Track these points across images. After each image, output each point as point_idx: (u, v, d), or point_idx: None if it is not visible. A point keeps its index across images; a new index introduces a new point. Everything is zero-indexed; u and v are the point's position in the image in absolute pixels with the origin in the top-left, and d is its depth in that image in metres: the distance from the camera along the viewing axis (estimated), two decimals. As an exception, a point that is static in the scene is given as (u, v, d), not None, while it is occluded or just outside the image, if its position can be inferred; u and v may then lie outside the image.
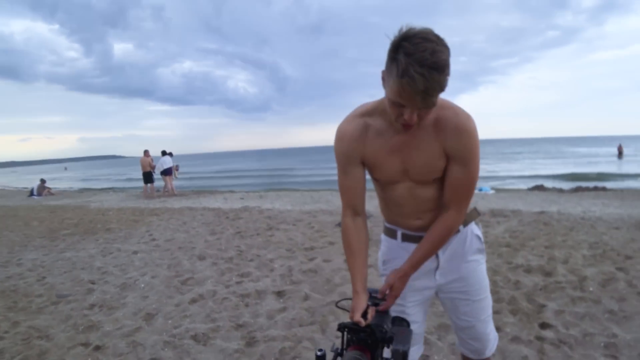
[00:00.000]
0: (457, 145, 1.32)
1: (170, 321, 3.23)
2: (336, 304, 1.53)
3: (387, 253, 1.63)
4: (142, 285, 4.17)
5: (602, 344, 2.61)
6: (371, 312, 1.34)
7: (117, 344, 2.87)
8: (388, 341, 1.24)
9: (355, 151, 1.42)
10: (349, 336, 1.29)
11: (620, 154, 35.28)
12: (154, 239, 6.44)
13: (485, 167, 27.51)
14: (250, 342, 2.82)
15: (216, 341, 2.85)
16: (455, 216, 1.42)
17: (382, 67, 1.20)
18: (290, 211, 8.83)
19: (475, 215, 1.59)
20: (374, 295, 1.41)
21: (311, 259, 4.89)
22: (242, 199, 12.28)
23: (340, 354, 1.27)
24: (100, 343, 2.89)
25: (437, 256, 1.53)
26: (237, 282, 4.12)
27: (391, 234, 1.61)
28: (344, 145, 1.43)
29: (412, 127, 1.25)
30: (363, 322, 1.26)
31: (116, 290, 4.04)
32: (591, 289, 3.50)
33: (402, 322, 1.37)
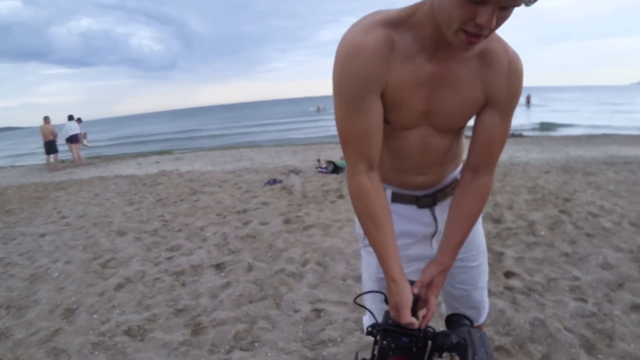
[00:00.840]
0: (505, 88, 1.04)
1: (95, 316, 2.80)
2: (354, 299, 1.20)
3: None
4: (56, 274, 3.60)
5: (567, 288, 2.66)
6: (423, 311, 1.05)
7: (33, 354, 2.40)
8: (456, 349, 0.94)
9: (379, 75, 0.97)
10: (385, 342, 0.98)
11: (528, 103, 38.02)
12: (63, 217, 5.69)
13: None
14: (197, 330, 2.51)
15: (155, 334, 2.49)
16: (489, 182, 1.14)
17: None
18: (213, 172, 8.34)
19: None
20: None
21: (246, 223, 4.59)
22: (157, 162, 11.44)
23: None
24: (11, 357, 2.41)
25: (434, 219, 1.28)
26: (168, 258, 3.71)
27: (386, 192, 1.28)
28: (362, 66, 0.95)
29: (481, 39, 0.88)
30: (416, 324, 0.98)
31: (24, 285, 3.45)
32: (542, 233, 3.61)
33: (458, 319, 1.08)
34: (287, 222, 4.55)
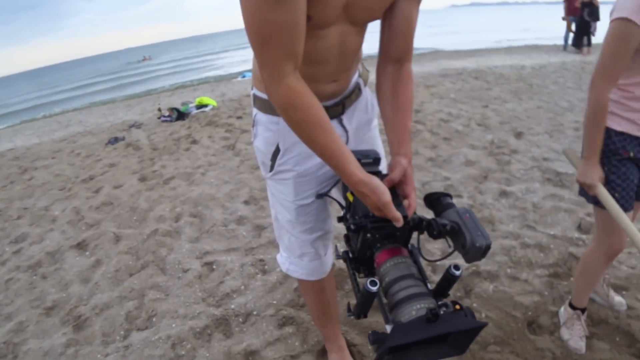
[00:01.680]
0: None
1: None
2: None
3: (282, 138, 1.18)
4: None
5: (442, 188, 2.92)
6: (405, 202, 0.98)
7: None
8: (450, 234, 0.92)
9: None
10: (368, 235, 0.95)
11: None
12: None
13: (238, 58, 26.78)
14: (79, 325, 2.23)
15: (29, 344, 2.14)
16: (411, 69, 1.11)
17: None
18: (41, 144, 7.11)
19: (366, 72, 1.32)
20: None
21: (97, 191, 4.10)
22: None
23: (369, 260, 0.97)
24: None
25: (344, 129, 1.23)
26: (15, 252, 3.15)
27: None
28: None
29: None
30: (401, 221, 0.91)
31: None
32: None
33: (439, 197, 1.01)
34: (143, 179, 4.18)
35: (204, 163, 4.47)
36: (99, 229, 3.25)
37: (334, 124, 1.20)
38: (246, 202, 3.46)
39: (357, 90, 1.25)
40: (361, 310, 0.94)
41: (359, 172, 0.94)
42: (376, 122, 1.37)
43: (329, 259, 1.49)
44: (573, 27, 11.12)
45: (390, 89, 1.10)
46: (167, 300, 2.30)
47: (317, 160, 1.20)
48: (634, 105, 1.44)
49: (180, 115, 6.64)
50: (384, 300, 0.92)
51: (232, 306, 2.20)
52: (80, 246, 3.06)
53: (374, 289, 0.85)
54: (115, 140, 5.91)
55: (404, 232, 0.98)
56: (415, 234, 1.01)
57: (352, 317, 1.00)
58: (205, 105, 7.19)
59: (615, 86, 1.43)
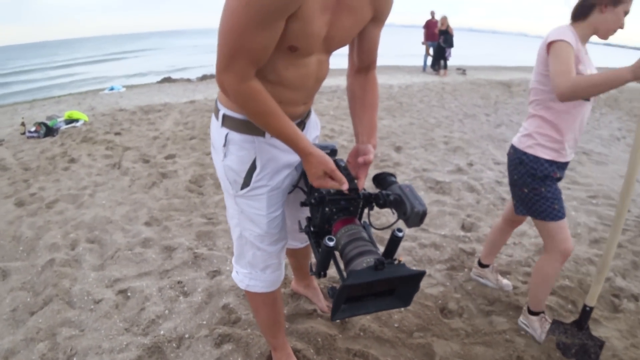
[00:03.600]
0: (388, 3, 1.21)
1: None
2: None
3: (259, 155, 1.28)
4: None
5: None
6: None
7: None
8: (393, 204, 1.11)
9: None
10: (327, 209, 1.15)
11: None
12: None
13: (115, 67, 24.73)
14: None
15: None
16: (376, 74, 1.39)
17: None
18: None
19: None
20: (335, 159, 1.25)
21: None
22: None
23: (327, 232, 1.15)
24: None
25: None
26: None
27: (254, 129, 1.25)
28: None
29: None
30: (346, 184, 1.14)
31: None
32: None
33: (385, 177, 1.22)
34: (21, 204, 3.71)
35: (89, 183, 4.13)
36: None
37: None
38: (148, 224, 3.31)
39: (311, 110, 1.45)
40: (321, 267, 1.10)
41: (310, 147, 1.15)
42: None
43: (284, 267, 1.60)
44: (431, 51, 12.67)
45: (360, 91, 1.35)
46: (85, 336, 2.12)
47: (285, 173, 1.34)
48: (557, 137, 1.82)
49: (49, 130, 5.97)
50: (341, 266, 1.11)
51: (162, 332, 2.12)
52: (-48, 287, 2.64)
53: (331, 243, 1.02)
54: (-31, 161, 5.10)
55: (356, 207, 1.17)
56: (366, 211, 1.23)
57: (313, 275, 1.21)
58: (76, 120, 6.57)
59: (543, 121, 1.82)
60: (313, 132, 1.49)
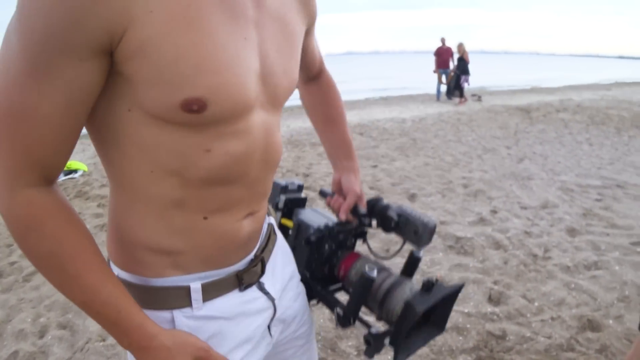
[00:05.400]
0: (314, 8, 0.88)
1: None
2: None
3: (214, 339, 0.76)
4: None
5: None
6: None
7: None
8: (400, 225, 1.00)
9: (105, 12, 0.51)
10: (327, 247, 1.00)
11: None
12: None
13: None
14: None
15: None
16: (329, 74, 1.12)
17: None
18: None
19: (272, 210, 1.06)
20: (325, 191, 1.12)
21: None
22: None
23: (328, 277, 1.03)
24: None
25: (268, 296, 0.85)
26: None
27: (172, 298, 0.73)
28: None
29: None
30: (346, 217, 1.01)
31: None
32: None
33: (375, 203, 1.07)
34: (-3, 276, 3.39)
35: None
36: None
37: (253, 293, 0.82)
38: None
39: (272, 235, 0.91)
40: (354, 309, 0.88)
41: (154, 328, 0.66)
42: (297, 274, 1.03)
43: None
44: (444, 79, 12.39)
45: (318, 104, 1.10)
46: None
47: (239, 354, 0.81)
48: None
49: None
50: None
51: None
52: None
53: (374, 273, 0.85)
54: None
55: (351, 240, 1.06)
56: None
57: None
58: (75, 171, 6.29)
59: None
60: (286, 269, 0.95)
